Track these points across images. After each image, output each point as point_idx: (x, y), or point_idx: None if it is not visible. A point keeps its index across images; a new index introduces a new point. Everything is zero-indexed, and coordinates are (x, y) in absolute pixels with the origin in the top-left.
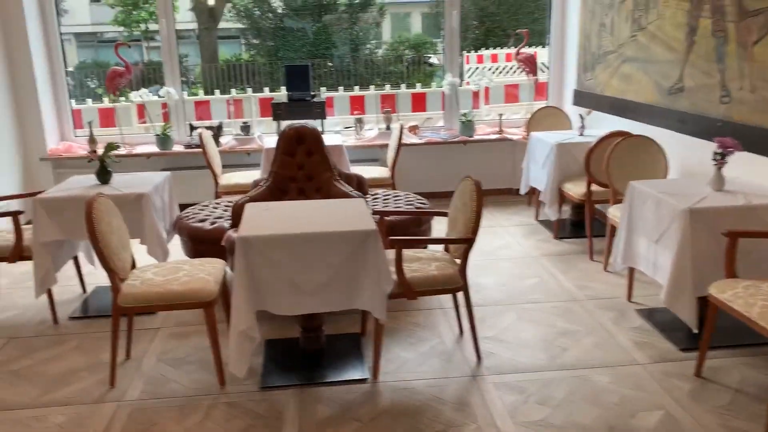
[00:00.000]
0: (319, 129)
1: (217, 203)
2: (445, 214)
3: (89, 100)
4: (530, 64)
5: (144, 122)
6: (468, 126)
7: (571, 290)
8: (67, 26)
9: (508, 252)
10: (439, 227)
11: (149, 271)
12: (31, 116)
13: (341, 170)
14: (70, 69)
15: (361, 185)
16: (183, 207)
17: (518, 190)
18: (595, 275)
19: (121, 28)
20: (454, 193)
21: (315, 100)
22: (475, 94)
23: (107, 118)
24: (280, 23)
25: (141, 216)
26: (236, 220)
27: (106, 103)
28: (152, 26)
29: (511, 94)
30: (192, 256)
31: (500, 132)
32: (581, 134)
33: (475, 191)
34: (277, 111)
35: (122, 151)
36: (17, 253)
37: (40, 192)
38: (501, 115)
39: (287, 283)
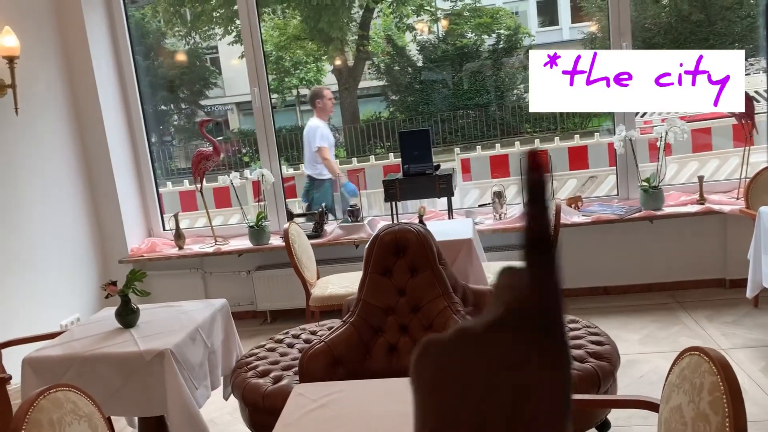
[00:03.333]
0: (444, 211)
1: (297, 335)
2: (651, 407)
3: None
4: (745, 105)
5: (260, 200)
6: (655, 197)
7: None
8: (229, 97)
9: None
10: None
11: None
12: (110, 211)
13: (467, 285)
14: (228, 136)
15: None
16: (275, 315)
17: (733, 282)
18: None
19: (276, 95)
20: (667, 376)
21: (438, 173)
22: (653, 144)
23: (224, 198)
24: (419, 76)
25: (163, 383)
26: (305, 378)
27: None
28: (303, 90)
29: (701, 142)
30: (252, 426)
31: (701, 201)
32: None
33: (726, 391)
34: (389, 189)
35: (209, 248)
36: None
37: (48, 336)
38: (701, 177)
39: None
